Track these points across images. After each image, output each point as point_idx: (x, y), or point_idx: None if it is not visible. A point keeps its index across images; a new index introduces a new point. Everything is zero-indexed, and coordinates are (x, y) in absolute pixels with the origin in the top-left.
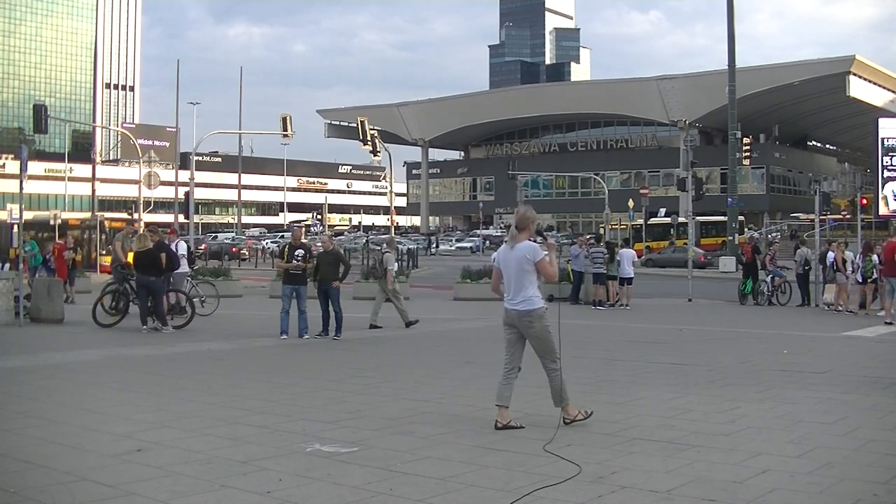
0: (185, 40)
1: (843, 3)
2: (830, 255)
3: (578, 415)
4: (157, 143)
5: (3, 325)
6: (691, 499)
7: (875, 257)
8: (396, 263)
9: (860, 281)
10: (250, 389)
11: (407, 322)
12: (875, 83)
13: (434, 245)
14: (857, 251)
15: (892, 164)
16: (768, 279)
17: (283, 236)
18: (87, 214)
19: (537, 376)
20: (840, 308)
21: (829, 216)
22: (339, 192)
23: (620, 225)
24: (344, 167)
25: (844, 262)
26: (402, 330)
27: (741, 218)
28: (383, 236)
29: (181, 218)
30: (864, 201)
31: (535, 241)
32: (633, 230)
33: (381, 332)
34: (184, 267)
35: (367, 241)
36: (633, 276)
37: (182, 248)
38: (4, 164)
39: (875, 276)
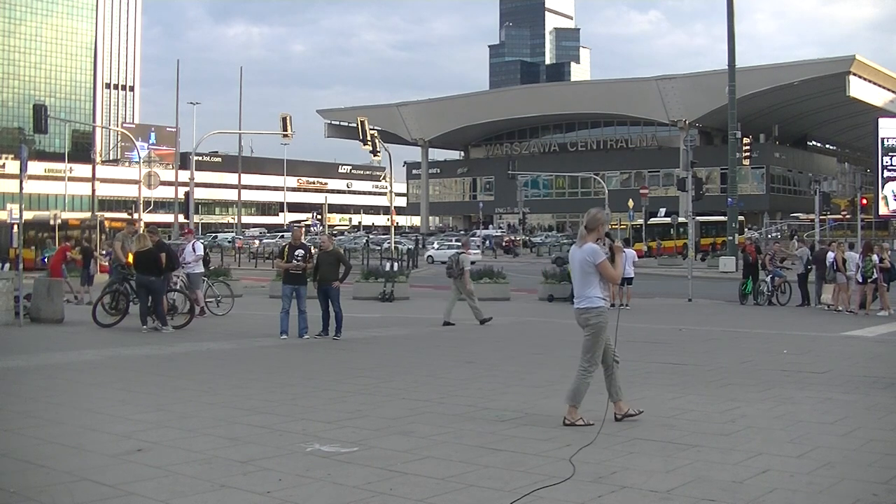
0: (185, 40)
1: (843, 3)
2: (830, 255)
3: (578, 421)
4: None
5: (3, 325)
6: (691, 499)
7: (875, 257)
8: (472, 263)
9: (860, 281)
10: (250, 389)
11: (481, 320)
12: (875, 83)
13: (420, 248)
14: (859, 251)
15: (892, 164)
16: (768, 279)
17: (283, 236)
18: (87, 214)
19: (538, 376)
20: (840, 308)
21: (829, 216)
22: (339, 192)
23: (620, 225)
24: (344, 167)
25: (845, 262)
26: (402, 330)
27: (741, 218)
28: (383, 236)
29: (181, 218)
30: (864, 201)
31: (600, 244)
32: (634, 230)
33: (381, 332)
34: (200, 267)
35: (367, 241)
36: (633, 276)
37: (199, 248)
38: (4, 164)
39: (875, 275)
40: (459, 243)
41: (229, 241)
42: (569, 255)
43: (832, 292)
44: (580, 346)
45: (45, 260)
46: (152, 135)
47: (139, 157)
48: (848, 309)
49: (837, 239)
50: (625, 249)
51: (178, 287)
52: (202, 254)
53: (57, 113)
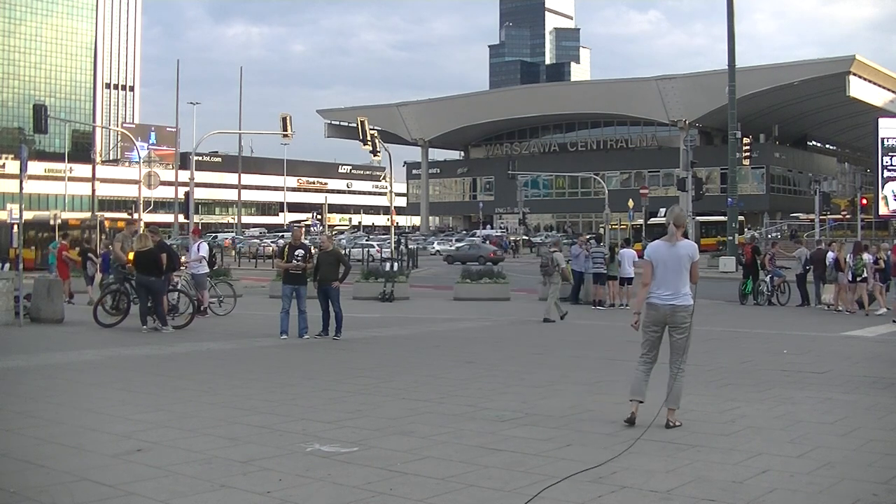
0: (184, 40)
1: (843, 3)
2: (831, 254)
3: (677, 422)
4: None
5: (3, 325)
6: (691, 499)
7: (866, 256)
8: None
9: (850, 280)
10: (250, 389)
11: (549, 318)
12: (875, 83)
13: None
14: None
15: (892, 164)
16: (768, 279)
17: (283, 236)
18: (87, 214)
19: (538, 376)
20: (840, 308)
21: (829, 216)
22: (339, 192)
23: (620, 225)
24: (344, 167)
25: (846, 261)
26: (402, 330)
27: (741, 218)
28: (382, 236)
29: (181, 218)
30: (864, 201)
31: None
32: (634, 230)
33: (381, 332)
34: (205, 268)
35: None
36: (633, 276)
37: (203, 249)
38: (4, 164)
39: (864, 274)
40: (552, 242)
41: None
42: (654, 252)
43: (833, 292)
44: (675, 346)
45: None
46: (152, 135)
47: (139, 158)
48: (848, 309)
49: (837, 239)
50: (624, 249)
51: (178, 287)
52: (206, 253)
53: (57, 113)
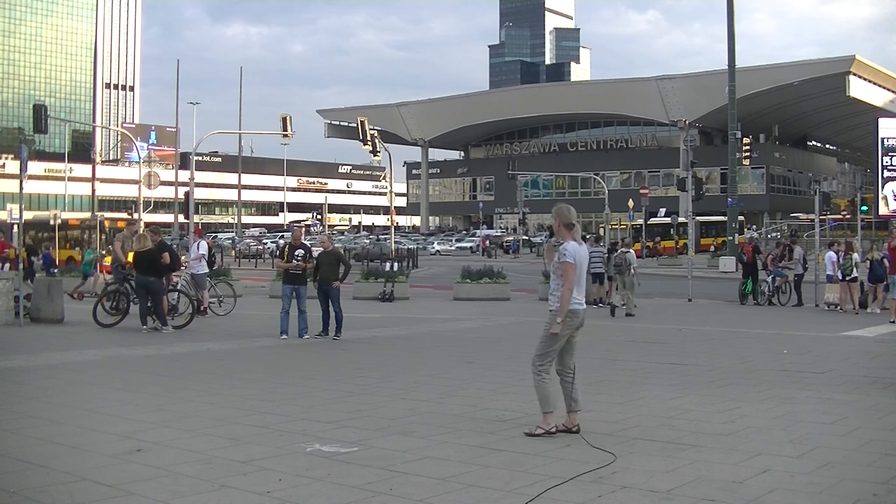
0: (183, 40)
1: (842, 3)
2: (832, 254)
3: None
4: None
5: (3, 325)
6: (691, 499)
7: (855, 255)
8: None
9: (840, 279)
10: (250, 389)
11: (627, 313)
12: (875, 83)
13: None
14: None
15: (892, 164)
16: (769, 279)
17: (283, 236)
18: (87, 214)
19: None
20: (845, 308)
21: (829, 216)
22: (339, 192)
23: (620, 225)
24: (344, 167)
25: (838, 261)
26: (402, 330)
27: (741, 218)
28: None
29: (181, 218)
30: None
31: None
32: (633, 230)
33: (381, 332)
34: (204, 267)
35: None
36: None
37: (203, 247)
38: (4, 164)
39: (854, 274)
40: (626, 243)
41: (230, 241)
42: (577, 255)
43: (835, 291)
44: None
45: (47, 260)
46: (152, 134)
47: (139, 158)
48: (842, 307)
49: (837, 239)
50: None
51: (179, 287)
52: (205, 252)
53: (57, 113)
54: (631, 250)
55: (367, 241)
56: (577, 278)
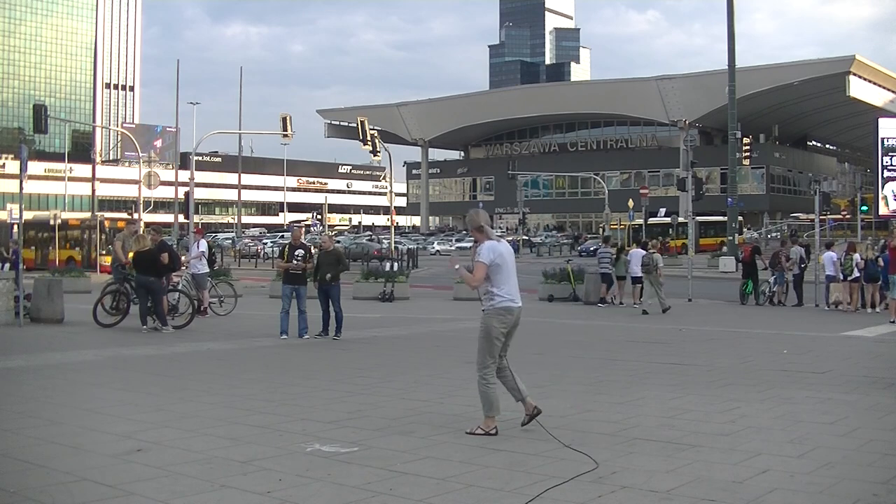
0: (182, 40)
1: (842, 2)
2: (833, 254)
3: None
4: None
5: (3, 325)
6: (691, 499)
7: (856, 256)
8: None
9: (842, 279)
10: (250, 389)
11: (664, 308)
12: (875, 83)
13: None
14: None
15: (892, 164)
16: (771, 279)
17: (282, 236)
18: (87, 214)
19: (538, 376)
20: (851, 308)
21: (829, 216)
22: (339, 192)
23: (620, 225)
24: (344, 167)
25: (839, 261)
26: (402, 330)
27: (739, 218)
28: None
29: (181, 218)
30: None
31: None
32: (632, 230)
33: (381, 332)
34: (205, 267)
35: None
36: (641, 275)
37: (202, 245)
38: (4, 164)
39: (855, 274)
40: (653, 245)
41: (230, 241)
42: (497, 253)
43: (840, 291)
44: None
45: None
46: (158, 129)
47: (141, 157)
48: (848, 308)
49: (835, 239)
50: (634, 250)
51: (179, 287)
52: (204, 251)
53: (57, 113)
54: (656, 252)
55: (353, 242)
56: (504, 276)
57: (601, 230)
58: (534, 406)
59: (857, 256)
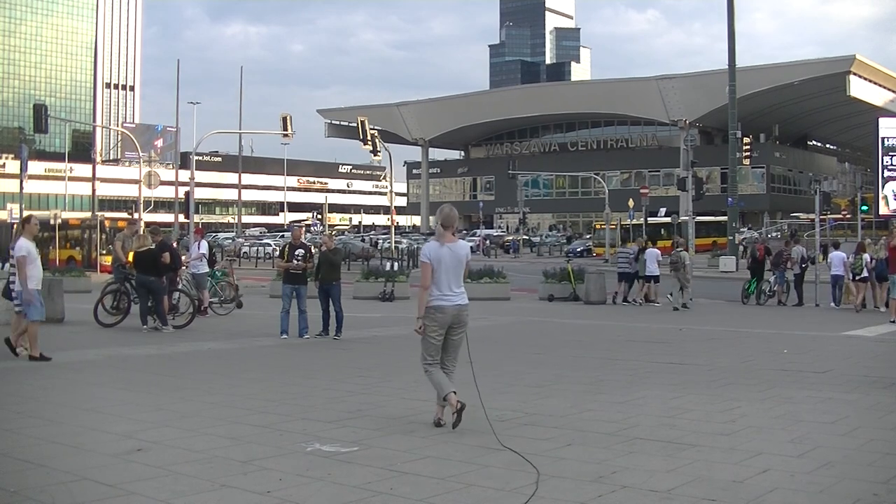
0: (182, 40)
1: (841, 2)
2: (841, 255)
3: (441, 419)
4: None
5: (3, 324)
6: (691, 498)
7: (866, 256)
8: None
9: (851, 278)
10: (251, 389)
11: (684, 303)
12: (875, 83)
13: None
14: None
15: (892, 164)
16: (772, 279)
17: (282, 236)
18: (87, 214)
19: (538, 376)
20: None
21: (829, 216)
22: (339, 191)
23: (611, 225)
24: (344, 167)
25: (873, 260)
26: (403, 330)
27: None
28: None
29: (181, 218)
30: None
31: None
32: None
33: (381, 332)
34: (205, 267)
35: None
36: (658, 274)
37: (203, 247)
38: (4, 163)
39: (864, 273)
40: (680, 243)
41: (230, 241)
42: (433, 253)
43: (850, 291)
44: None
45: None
46: (158, 128)
47: (141, 156)
48: (850, 306)
49: (837, 239)
50: (649, 249)
51: (181, 287)
52: (205, 251)
53: (57, 113)
54: (683, 250)
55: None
56: (438, 276)
57: (592, 230)
58: (453, 413)
59: (866, 256)
